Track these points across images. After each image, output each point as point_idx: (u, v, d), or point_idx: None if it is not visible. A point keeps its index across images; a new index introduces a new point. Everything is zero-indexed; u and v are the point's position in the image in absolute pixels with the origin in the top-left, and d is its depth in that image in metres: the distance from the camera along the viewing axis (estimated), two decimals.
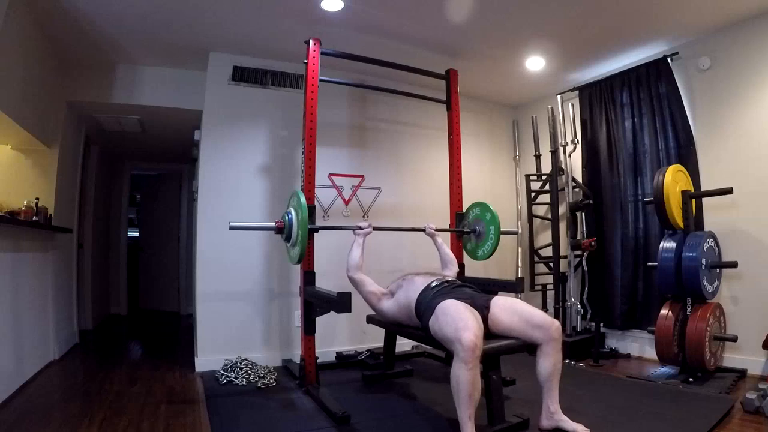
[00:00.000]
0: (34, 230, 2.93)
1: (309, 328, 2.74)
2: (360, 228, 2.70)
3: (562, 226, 3.98)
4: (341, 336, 3.56)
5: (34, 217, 2.87)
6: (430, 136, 4.10)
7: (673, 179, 2.90)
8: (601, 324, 3.61)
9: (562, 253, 3.88)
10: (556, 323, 2.04)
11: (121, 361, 3.42)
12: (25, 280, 2.78)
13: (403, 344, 3.35)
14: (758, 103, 2.97)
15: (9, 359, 2.51)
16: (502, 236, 2.99)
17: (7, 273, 2.52)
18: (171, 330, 4.95)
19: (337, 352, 3.40)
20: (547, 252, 4.09)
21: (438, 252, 2.96)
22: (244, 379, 2.84)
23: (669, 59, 3.33)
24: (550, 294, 4.03)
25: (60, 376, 2.96)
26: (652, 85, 3.45)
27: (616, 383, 2.83)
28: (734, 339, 2.81)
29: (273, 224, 2.59)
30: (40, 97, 2.95)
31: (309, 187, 2.77)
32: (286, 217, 2.57)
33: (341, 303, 2.12)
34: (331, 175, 3.64)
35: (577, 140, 3.93)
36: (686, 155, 3.25)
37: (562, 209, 4.01)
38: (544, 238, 4.23)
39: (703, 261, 2.77)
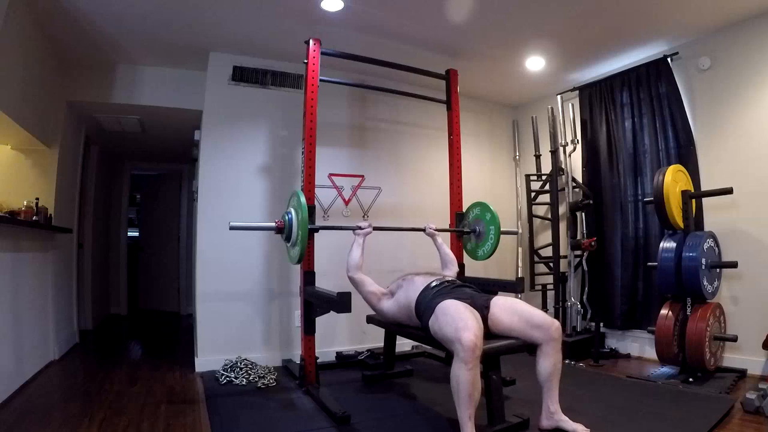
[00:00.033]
0: (34, 230, 2.93)
1: (309, 328, 2.74)
2: (360, 228, 2.70)
3: (562, 226, 3.98)
4: (341, 336, 3.56)
5: (34, 217, 2.87)
6: (430, 136, 4.10)
7: (673, 179, 2.90)
8: (601, 324, 3.61)
9: (562, 253, 3.88)
10: (556, 323, 2.04)
11: (121, 361, 3.42)
12: (25, 280, 2.78)
13: (403, 344, 3.35)
14: (758, 103, 2.97)
15: (9, 359, 2.51)
16: (502, 236, 2.99)
17: (7, 273, 2.52)
18: (171, 330, 4.95)
19: (337, 352, 3.40)
20: (547, 252, 4.09)
21: (438, 252, 2.96)
22: (244, 379, 2.84)
23: (669, 59, 3.33)
24: (550, 294, 4.03)
25: (60, 376, 2.96)
26: (652, 85, 3.45)
27: (616, 383, 2.83)
28: (734, 339, 2.81)
29: (273, 224, 2.59)
30: (40, 97, 2.95)
31: (309, 187, 2.77)
32: (286, 217, 2.57)
33: (341, 303, 2.12)
34: (331, 175, 3.64)
35: (577, 140, 3.93)
36: (686, 155, 3.25)
37: (562, 209, 4.01)
38: (544, 238, 4.23)
39: (703, 261, 2.77)
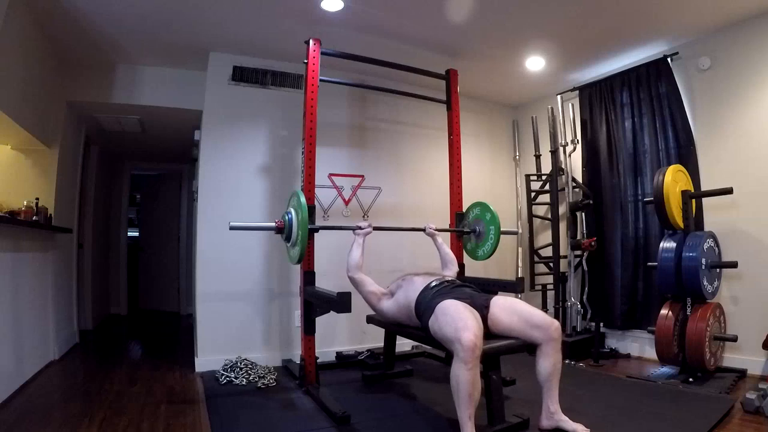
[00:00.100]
0: (34, 230, 2.93)
1: (309, 328, 2.74)
2: (360, 228, 2.70)
3: (562, 226, 3.98)
4: (341, 336, 3.56)
5: (34, 217, 2.87)
6: (430, 136, 4.10)
7: (673, 179, 2.90)
8: (601, 324, 3.61)
9: (562, 253, 3.88)
10: (556, 323, 2.04)
11: (121, 361, 3.42)
12: (25, 280, 2.78)
13: (403, 344, 3.35)
14: (758, 103, 2.97)
15: (9, 359, 2.51)
16: (502, 236, 2.99)
17: (7, 273, 2.52)
18: (171, 330, 4.95)
19: (337, 352, 3.40)
20: (547, 252, 4.09)
21: (438, 252, 2.96)
22: (244, 379, 2.84)
23: (669, 59, 3.33)
24: (550, 294, 4.03)
25: (60, 376, 2.96)
26: (652, 85, 3.45)
27: (616, 383, 2.83)
28: (734, 339, 2.81)
29: (273, 224, 2.59)
30: (40, 97, 2.95)
31: (309, 187, 2.77)
32: (286, 217, 2.57)
33: (341, 303, 2.12)
34: (331, 175, 3.64)
35: (577, 140, 3.93)
36: (686, 155, 3.25)
37: (562, 209, 4.00)
38: (544, 238, 4.23)
39: (703, 261, 2.77)
